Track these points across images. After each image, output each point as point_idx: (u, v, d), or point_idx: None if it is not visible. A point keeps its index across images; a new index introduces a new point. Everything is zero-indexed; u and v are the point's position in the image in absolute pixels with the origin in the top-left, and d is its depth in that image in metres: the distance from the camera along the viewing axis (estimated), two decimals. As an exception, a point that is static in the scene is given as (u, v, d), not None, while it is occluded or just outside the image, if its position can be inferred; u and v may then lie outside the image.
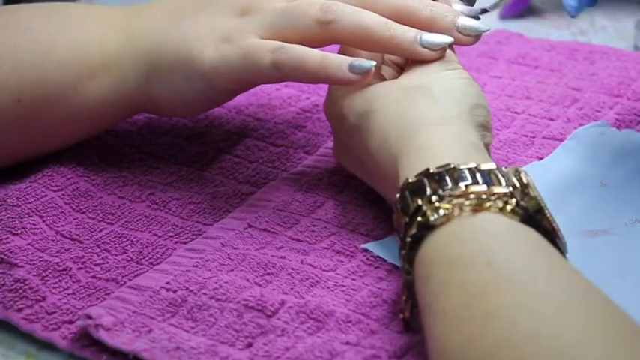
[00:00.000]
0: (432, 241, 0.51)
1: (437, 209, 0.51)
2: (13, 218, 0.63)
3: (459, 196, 0.51)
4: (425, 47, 0.61)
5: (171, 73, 0.65)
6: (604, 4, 0.98)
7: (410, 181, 0.53)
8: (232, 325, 0.55)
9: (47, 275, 0.59)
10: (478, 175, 0.52)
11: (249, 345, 0.54)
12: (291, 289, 0.58)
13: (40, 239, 0.62)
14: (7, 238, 0.62)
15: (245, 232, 0.63)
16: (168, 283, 0.58)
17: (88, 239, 0.63)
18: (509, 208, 0.51)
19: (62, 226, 0.64)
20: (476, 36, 0.63)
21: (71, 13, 0.69)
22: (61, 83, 0.66)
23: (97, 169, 0.69)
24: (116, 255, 0.62)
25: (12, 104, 0.65)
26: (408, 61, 0.64)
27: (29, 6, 0.69)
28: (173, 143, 0.73)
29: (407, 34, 0.61)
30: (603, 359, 0.43)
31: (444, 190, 0.52)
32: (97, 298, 0.58)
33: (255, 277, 0.59)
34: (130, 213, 0.65)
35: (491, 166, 0.53)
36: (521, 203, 0.51)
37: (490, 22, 0.92)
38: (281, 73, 0.61)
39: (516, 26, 0.94)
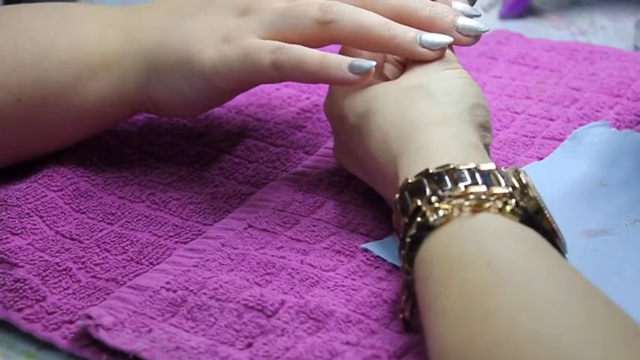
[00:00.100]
0: (432, 241, 0.51)
1: (436, 210, 0.51)
2: (13, 218, 0.63)
3: (458, 197, 0.51)
4: (425, 47, 0.61)
5: (171, 73, 0.65)
6: (604, 4, 0.98)
7: (409, 181, 0.53)
8: (232, 325, 0.55)
9: (47, 275, 0.59)
10: (477, 176, 0.52)
11: (249, 345, 0.54)
12: (291, 289, 0.58)
13: (40, 239, 0.62)
14: (7, 238, 0.62)
15: (245, 232, 0.63)
16: (168, 283, 0.58)
17: (88, 239, 0.63)
18: (508, 208, 0.51)
19: (62, 226, 0.64)
20: (475, 36, 0.63)
21: (71, 13, 0.69)
22: (61, 83, 0.66)
23: (97, 169, 0.69)
24: (116, 255, 0.62)
25: (12, 104, 0.65)
26: (408, 61, 0.64)
27: (29, 6, 0.69)
28: (173, 143, 0.73)
29: (407, 34, 0.61)
30: (603, 359, 0.43)
31: (443, 191, 0.52)
32: (97, 298, 0.58)
33: (255, 277, 0.59)
34: (130, 213, 0.65)
35: (491, 166, 0.53)
36: (521, 203, 0.51)
37: (490, 22, 0.92)
38: (281, 73, 0.61)
39: (516, 26, 0.94)
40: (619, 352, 0.44)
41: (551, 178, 0.67)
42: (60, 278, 0.59)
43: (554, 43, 0.87)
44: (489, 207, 0.51)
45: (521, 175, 0.53)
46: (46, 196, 0.66)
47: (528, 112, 0.76)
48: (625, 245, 0.61)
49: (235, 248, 0.61)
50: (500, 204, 0.51)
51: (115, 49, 0.66)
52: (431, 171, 0.53)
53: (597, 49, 0.86)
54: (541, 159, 0.70)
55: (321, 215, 0.64)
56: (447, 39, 0.62)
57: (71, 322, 0.57)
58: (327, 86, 0.66)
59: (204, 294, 0.57)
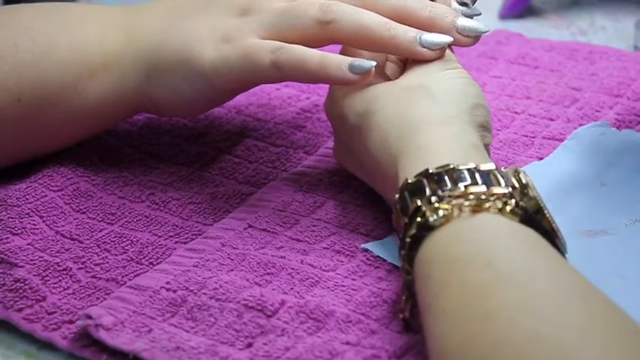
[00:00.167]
0: (432, 241, 0.51)
1: (436, 210, 0.51)
2: (13, 218, 0.63)
3: (458, 197, 0.51)
4: (425, 47, 0.61)
5: (171, 73, 0.65)
6: (604, 4, 0.98)
7: (409, 181, 0.53)
8: (232, 325, 0.55)
9: (47, 275, 0.59)
10: (477, 176, 0.52)
11: (249, 345, 0.54)
12: (291, 289, 0.58)
13: (40, 239, 0.62)
14: (7, 238, 0.62)
15: (245, 232, 0.63)
16: (168, 283, 0.58)
17: (88, 239, 0.63)
18: (508, 208, 0.51)
19: (62, 226, 0.64)
20: (475, 37, 0.63)
21: (71, 13, 0.69)
22: (61, 83, 0.66)
23: (97, 169, 0.69)
24: (116, 255, 0.62)
25: (12, 104, 0.65)
26: (407, 61, 0.64)
27: (29, 6, 0.69)
28: (173, 143, 0.73)
29: (407, 34, 0.61)
30: (603, 359, 0.43)
31: (443, 191, 0.52)
32: (97, 298, 0.58)
33: (255, 277, 0.59)
34: (130, 213, 0.65)
35: (491, 166, 0.53)
36: (521, 203, 0.51)
37: (490, 22, 0.92)
38: (281, 73, 0.61)
39: (516, 26, 0.94)
40: (619, 352, 0.44)
41: (551, 178, 0.67)
42: (60, 278, 0.59)
43: (554, 43, 0.87)
44: (489, 207, 0.51)
45: (521, 175, 0.53)
46: (46, 196, 0.66)
47: (528, 112, 0.76)
48: (625, 245, 0.61)
49: (235, 248, 0.61)
50: (500, 204, 0.51)
51: (115, 49, 0.66)
52: (431, 171, 0.53)
53: (597, 49, 0.86)
54: (541, 159, 0.70)
55: (321, 215, 0.64)
56: (446, 39, 0.62)
57: (71, 322, 0.57)
58: (327, 86, 0.66)
59: (204, 294, 0.57)
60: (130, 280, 0.60)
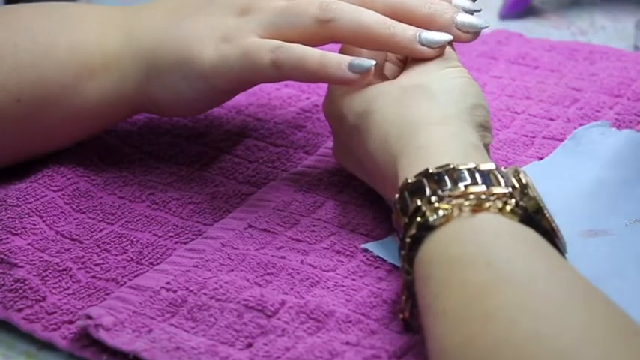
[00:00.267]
0: (432, 241, 0.51)
1: (436, 210, 0.51)
2: (13, 218, 0.63)
3: (458, 197, 0.51)
4: (424, 45, 0.61)
5: (171, 72, 0.65)
6: (604, 4, 0.98)
7: (409, 181, 0.53)
8: (232, 325, 0.55)
9: (47, 275, 0.59)
10: (477, 176, 0.52)
11: (250, 345, 0.54)
12: (291, 289, 0.58)
13: (40, 239, 0.62)
14: (7, 238, 0.62)
15: (245, 232, 0.63)
16: (168, 283, 0.58)
17: (88, 239, 0.63)
18: (508, 208, 0.51)
19: (62, 226, 0.64)
20: (475, 33, 0.63)
21: (71, 13, 0.69)
22: (61, 83, 0.66)
23: (97, 169, 0.69)
24: (116, 255, 0.62)
25: (12, 104, 0.65)
26: (407, 60, 0.64)
27: (29, 6, 0.69)
28: (173, 143, 0.73)
29: (406, 32, 0.61)
30: (603, 359, 0.43)
31: (443, 191, 0.52)
32: (97, 298, 0.58)
33: (255, 277, 0.59)
34: (130, 213, 0.65)
35: (491, 166, 0.53)
36: (521, 203, 0.51)
37: (490, 22, 0.92)
38: (281, 72, 0.61)
39: (516, 26, 0.94)
40: (619, 352, 0.43)
41: (551, 178, 0.67)
42: (60, 278, 0.59)
43: (554, 43, 0.87)
44: (489, 207, 0.51)
45: (521, 175, 0.53)
46: (46, 196, 0.66)
47: (528, 112, 0.76)
48: (625, 245, 0.61)
49: (235, 248, 0.61)
50: (500, 204, 0.51)
51: (114, 49, 0.66)
52: (431, 171, 0.53)
53: (597, 49, 0.85)
54: (541, 159, 0.70)
55: (321, 215, 0.64)
56: (446, 37, 0.62)
57: (71, 322, 0.57)
58: (326, 86, 0.66)
59: (205, 294, 0.57)
60: (130, 280, 0.60)
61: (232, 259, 0.60)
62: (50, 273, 0.60)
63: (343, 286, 0.58)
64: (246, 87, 0.67)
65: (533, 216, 0.52)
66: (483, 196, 0.51)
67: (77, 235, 0.63)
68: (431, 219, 0.51)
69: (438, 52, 0.62)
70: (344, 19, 0.61)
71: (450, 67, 0.61)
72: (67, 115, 0.67)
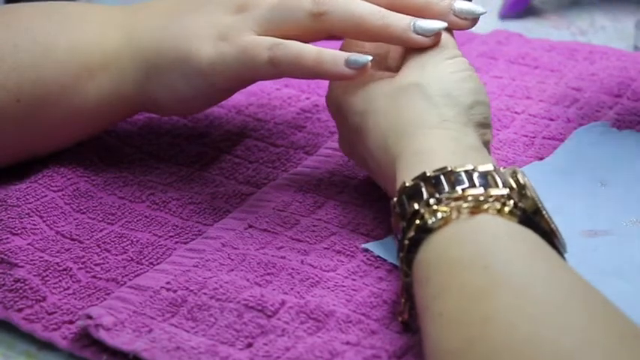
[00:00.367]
0: (431, 243, 0.51)
1: (435, 212, 0.51)
2: (13, 218, 0.63)
3: (456, 199, 0.51)
4: (419, 34, 0.61)
5: (170, 71, 0.65)
6: (604, 4, 0.98)
7: (407, 184, 0.53)
8: (232, 325, 0.55)
9: (47, 275, 0.59)
10: (475, 178, 0.52)
11: (250, 345, 0.54)
12: (292, 289, 0.58)
13: (40, 239, 0.62)
14: (7, 238, 0.62)
15: (245, 232, 0.63)
16: (168, 283, 0.58)
17: (88, 239, 0.63)
18: (507, 209, 0.51)
19: (62, 226, 0.64)
20: (473, 19, 0.62)
21: (71, 12, 0.69)
22: (61, 83, 0.66)
23: (97, 169, 0.69)
24: (116, 255, 0.62)
25: (11, 104, 0.65)
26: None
27: (29, 5, 0.69)
28: (173, 143, 0.73)
29: (400, 21, 0.61)
30: (603, 362, 0.43)
31: (440, 194, 0.51)
32: (97, 298, 0.58)
33: (255, 277, 0.59)
34: (130, 213, 0.65)
35: (489, 167, 0.53)
36: (519, 204, 0.51)
37: (490, 22, 0.92)
38: (278, 69, 0.61)
39: (516, 26, 0.94)
40: (619, 354, 0.43)
41: (552, 178, 0.67)
42: (60, 278, 0.59)
43: (554, 43, 0.87)
44: (488, 208, 0.51)
45: (519, 176, 0.53)
46: (46, 196, 0.66)
47: (528, 112, 0.76)
48: (625, 245, 0.61)
49: (235, 248, 0.61)
50: (498, 205, 0.51)
51: (114, 49, 0.66)
52: (428, 174, 0.53)
53: (597, 49, 0.85)
54: (541, 159, 0.70)
55: (322, 215, 0.64)
56: (440, 24, 0.61)
57: (71, 322, 0.57)
58: (327, 86, 0.66)
59: (205, 294, 0.57)
60: (130, 280, 0.60)
61: (232, 259, 0.60)
62: (50, 273, 0.60)
63: (343, 286, 0.58)
64: (244, 85, 0.67)
65: (532, 217, 0.51)
66: (481, 198, 0.51)
67: (77, 235, 0.63)
68: (429, 221, 0.51)
69: (433, 40, 0.61)
70: (337, 11, 0.61)
71: (448, 59, 0.61)
72: (67, 115, 0.67)
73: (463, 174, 0.52)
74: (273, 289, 0.58)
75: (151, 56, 0.65)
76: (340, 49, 0.63)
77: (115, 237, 0.63)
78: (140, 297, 0.58)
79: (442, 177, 0.52)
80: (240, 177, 0.69)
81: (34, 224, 0.63)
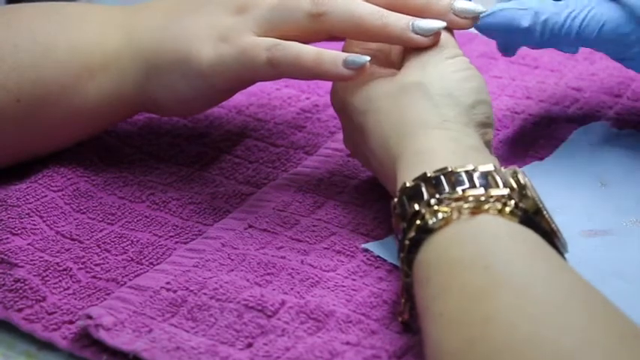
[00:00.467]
0: (431, 244, 0.51)
1: (435, 212, 0.51)
2: (13, 218, 0.63)
3: (457, 200, 0.51)
4: (418, 34, 0.61)
5: (170, 71, 0.65)
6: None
7: (407, 185, 0.53)
8: (232, 326, 0.55)
9: (47, 275, 0.59)
10: (475, 178, 0.52)
11: (250, 345, 0.54)
12: (292, 289, 0.58)
13: (40, 239, 0.62)
14: (7, 238, 0.62)
15: (245, 232, 0.63)
16: (168, 283, 0.58)
17: (88, 239, 0.63)
18: (507, 209, 0.51)
19: (62, 226, 0.64)
20: (473, 18, 0.62)
21: (71, 12, 0.69)
22: (61, 83, 0.66)
23: (97, 169, 0.69)
24: (116, 255, 0.62)
25: (11, 104, 0.65)
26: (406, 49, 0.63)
27: (29, 6, 0.69)
28: (173, 143, 0.73)
29: (399, 21, 0.61)
30: (603, 362, 0.43)
31: (441, 194, 0.51)
32: (97, 299, 0.58)
33: (255, 277, 0.59)
34: (130, 213, 0.65)
35: (489, 167, 0.53)
36: (520, 204, 0.51)
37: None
38: (277, 70, 0.61)
39: (516, 26, 0.93)
40: (619, 355, 0.43)
41: (552, 178, 0.67)
42: (60, 278, 0.59)
43: (555, 43, 0.87)
44: (488, 209, 0.51)
45: (520, 176, 0.53)
46: (46, 196, 0.66)
47: (528, 112, 0.76)
48: (625, 245, 0.61)
49: (235, 248, 0.61)
50: (499, 205, 0.51)
51: (114, 49, 0.66)
52: (428, 175, 0.53)
53: (597, 49, 0.85)
54: (541, 159, 0.70)
55: (321, 215, 0.64)
56: (439, 24, 0.61)
57: (71, 322, 0.57)
58: (327, 87, 0.66)
59: (205, 294, 0.57)
60: (130, 280, 0.60)
61: (232, 259, 0.60)
62: (50, 273, 0.60)
63: (343, 286, 0.58)
64: (244, 85, 0.67)
65: (532, 217, 0.51)
66: (482, 198, 0.51)
67: (77, 235, 0.63)
68: (430, 222, 0.51)
69: (433, 39, 0.61)
70: (336, 12, 0.61)
71: (448, 59, 0.61)
72: (67, 115, 0.67)
73: (463, 174, 0.52)
74: (273, 289, 0.58)
75: (151, 57, 0.65)
76: (343, 49, 0.64)
77: (115, 237, 0.63)
78: (140, 297, 0.58)
79: (442, 177, 0.52)
80: (240, 177, 0.69)
81: (34, 224, 0.63)
